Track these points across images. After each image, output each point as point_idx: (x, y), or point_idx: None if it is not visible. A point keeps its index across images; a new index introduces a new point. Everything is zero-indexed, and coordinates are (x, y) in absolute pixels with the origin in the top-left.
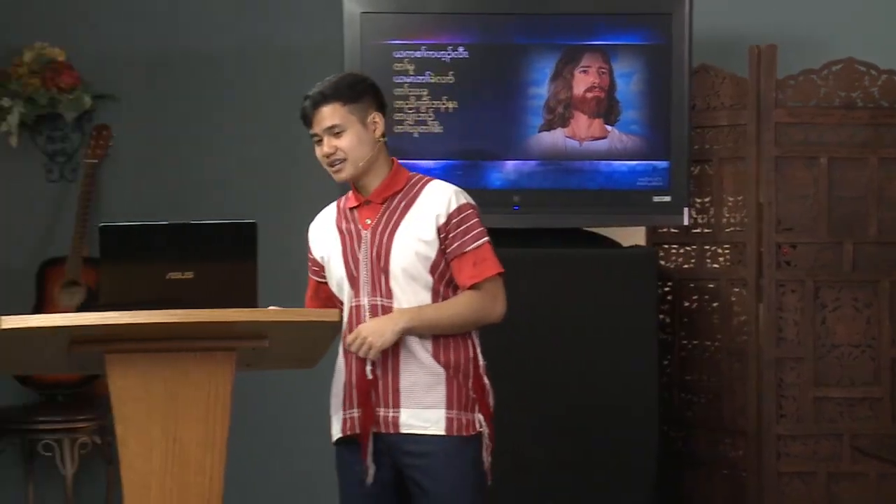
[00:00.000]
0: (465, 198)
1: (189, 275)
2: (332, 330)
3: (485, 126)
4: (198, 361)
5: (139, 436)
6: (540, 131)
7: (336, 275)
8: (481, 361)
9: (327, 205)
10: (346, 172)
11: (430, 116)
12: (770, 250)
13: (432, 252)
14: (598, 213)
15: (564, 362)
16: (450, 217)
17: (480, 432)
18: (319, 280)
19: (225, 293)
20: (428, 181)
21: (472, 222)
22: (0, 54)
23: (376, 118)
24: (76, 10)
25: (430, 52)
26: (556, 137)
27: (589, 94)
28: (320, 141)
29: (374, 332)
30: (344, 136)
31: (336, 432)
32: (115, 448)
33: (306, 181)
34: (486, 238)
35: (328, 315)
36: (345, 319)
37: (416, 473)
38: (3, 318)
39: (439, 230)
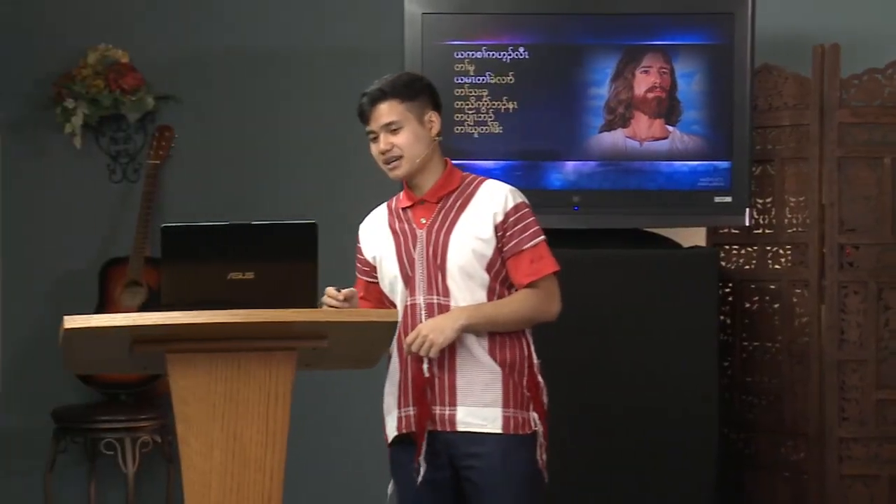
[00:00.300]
0: (520, 196)
1: (250, 275)
2: (391, 330)
3: (545, 126)
4: (258, 361)
5: (200, 435)
6: (600, 132)
7: (389, 274)
8: (535, 360)
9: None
10: (402, 170)
11: (490, 117)
12: (832, 251)
13: (489, 250)
14: (659, 214)
15: (624, 363)
16: (507, 215)
17: (535, 431)
18: (370, 280)
19: (285, 293)
20: (482, 180)
21: (528, 220)
22: (64, 56)
23: (432, 117)
24: (139, 12)
25: (491, 53)
26: (616, 138)
27: (650, 95)
28: (376, 138)
29: (434, 329)
30: (401, 133)
31: (391, 431)
32: (177, 447)
33: (366, 181)
34: (542, 236)
35: (387, 315)
36: (399, 318)
37: (473, 473)
38: (66, 317)
39: (496, 228)
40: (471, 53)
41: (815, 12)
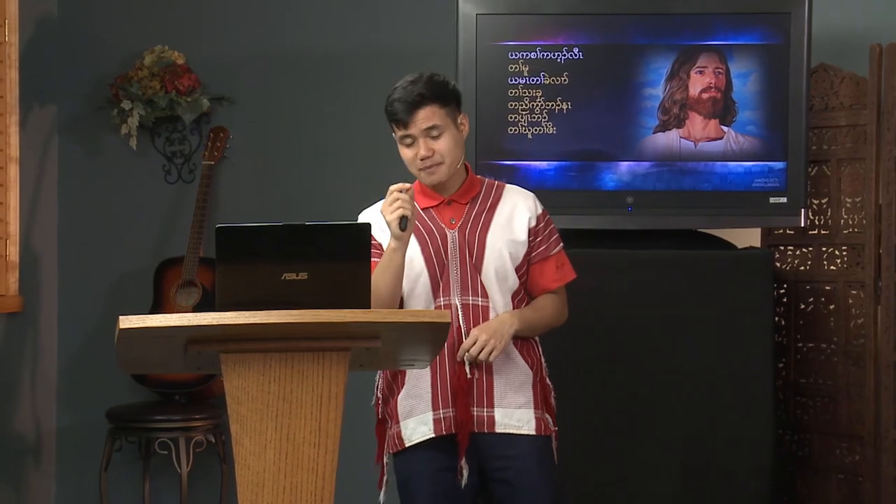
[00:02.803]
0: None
1: (304, 275)
2: (445, 331)
3: (599, 127)
4: (312, 361)
5: (254, 435)
6: (655, 132)
7: (411, 272)
8: (544, 363)
9: None
10: (440, 175)
11: (544, 118)
12: (889, 252)
13: (522, 253)
14: (713, 215)
15: (679, 364)
16: (538, 220)
17: (553, 432)
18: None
19: (339, 294)
20: (502, 184)
21: (552, 226)
22: (121, 57)
23: (463, 119)
24: (195, 15)
25: (545, 54)
26: (670, 138)
27: (705, 95)
28: (412, 143)
29: (495, 334)
30: (442, 139)
31: (423, 433)
32: (230, 447)
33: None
34: (562, 243)
35: (441, 316)
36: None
37: (509, 474)
38: (122, 317)
39: (530, 232)
40: (525, 54)
41: (872, 12)
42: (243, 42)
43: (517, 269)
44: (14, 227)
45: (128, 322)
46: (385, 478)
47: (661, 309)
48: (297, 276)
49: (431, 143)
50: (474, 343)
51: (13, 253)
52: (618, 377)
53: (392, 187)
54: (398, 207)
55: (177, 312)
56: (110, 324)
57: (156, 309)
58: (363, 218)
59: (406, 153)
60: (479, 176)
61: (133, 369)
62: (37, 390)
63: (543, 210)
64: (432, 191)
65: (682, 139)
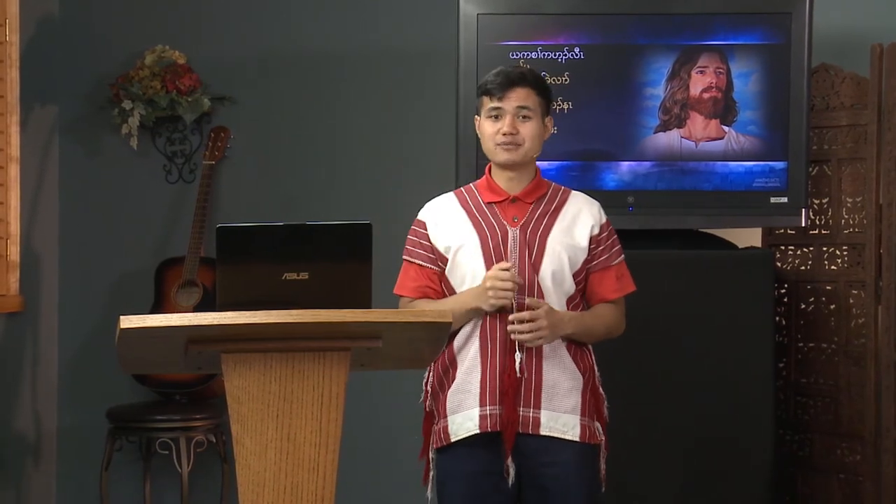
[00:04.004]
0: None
1: (304, 275)
2: (447, 331)
3: (600, 127)
4: (313, 361)
5: (254, 435)
6: (655, 132)
7: (468, 267)
8: (597, 371)
9: None
10: (515, 156)
11: None
12: (890, 252)
13: (581, 259)
14: (714, 215)
15: (680, 364)
16: (602, 229)
17: (601, 441)
18: (434, 269)
19: (340, 294)
20: (568, 190)
21: (615, 237)
22: (122, 57)
23: (549, 122)
24: (196, 14)
25: (546, 53)
26: (671, 138)
27: (706, 95)
28: (498, 117)
29: (554, 326)
30: (528, 123)
31: (469, 429)
32: (231, 446)
33: (420, 182)
34: (623, 255)
35: (442, 316)
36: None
37: (548, 480)
38: (122, 317)
39: (591, 240)
40: (526, 54)
41: (873, 12)
42: (244, 42)
43: (575, 276)
44: (15, 226)
45: (128, 322)
46: (431, 473)
47: (661, 309)
48: (298, 275)
49: (518, 123)
50: (530, 319)
51: (14, 253)
52: (618, 377)
53: (503, 275)
54: (502, 298)
55: (177, 312)
56: (111, 324)
57: (156, 309)
58: (427, 210)
59: (488, 127)
60: (546, 179)
61: (134, 369)
62: (37, 390)
63: (607, 220)
64: (498, 186)
65: (682, 139)
